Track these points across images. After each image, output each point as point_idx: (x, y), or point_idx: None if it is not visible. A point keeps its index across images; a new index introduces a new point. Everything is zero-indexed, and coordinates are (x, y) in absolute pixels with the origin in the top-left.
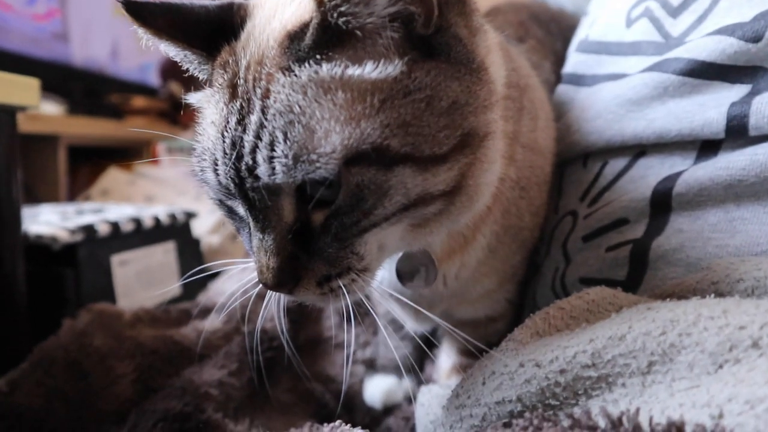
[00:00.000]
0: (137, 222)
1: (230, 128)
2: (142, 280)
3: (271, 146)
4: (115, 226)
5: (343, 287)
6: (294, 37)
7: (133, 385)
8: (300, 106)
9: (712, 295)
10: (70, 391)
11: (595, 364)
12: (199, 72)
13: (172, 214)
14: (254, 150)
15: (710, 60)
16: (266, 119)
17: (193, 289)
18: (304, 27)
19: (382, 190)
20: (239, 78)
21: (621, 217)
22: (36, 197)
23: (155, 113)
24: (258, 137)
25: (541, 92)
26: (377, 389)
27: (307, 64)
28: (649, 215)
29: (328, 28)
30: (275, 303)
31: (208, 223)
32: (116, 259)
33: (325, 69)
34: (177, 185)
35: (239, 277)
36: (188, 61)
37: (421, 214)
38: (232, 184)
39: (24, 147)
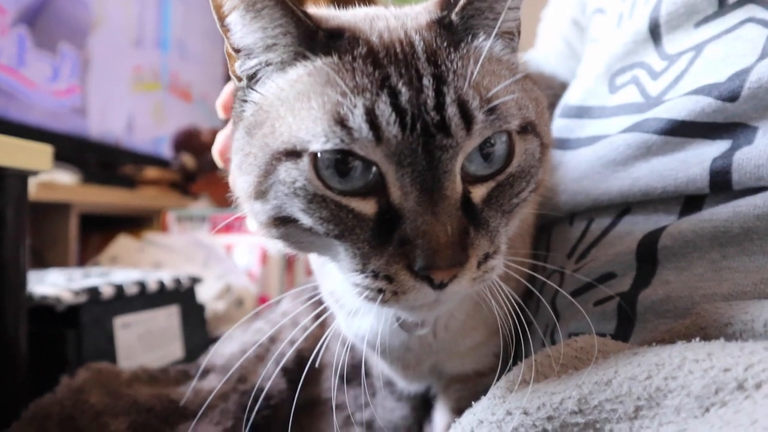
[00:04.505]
0: (141, 285)
1: (400, 91)
2: (144, 343)
3: (460, 104)
4: (119, 288)
5: (494, 268)
6: (442, 22)
7: None
8: (481, 74)
9: (697, 339)
10: None
11: (582, 410)
12: (280, 51)
13: (176, 278)
14: (440, 108)
15: (690, 119)
16: (445, 83)
17: (195, 353)
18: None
19: (538, 163)
20: (380, 53)
21: (608, 271)
22: (45, 263)
23: (167, 184)
24: (440, 96)
25: None
26: None
27: (474, 41)
28: (636, 268)
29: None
30: (273, 362)
31: (213, 290)
32: (119, 322)
33: (497, 48)
34: (185, 253)
35: (240, 339)
36: (282, 33)
37: (522, 198)
38: (414, 144)
39: (37, 214)
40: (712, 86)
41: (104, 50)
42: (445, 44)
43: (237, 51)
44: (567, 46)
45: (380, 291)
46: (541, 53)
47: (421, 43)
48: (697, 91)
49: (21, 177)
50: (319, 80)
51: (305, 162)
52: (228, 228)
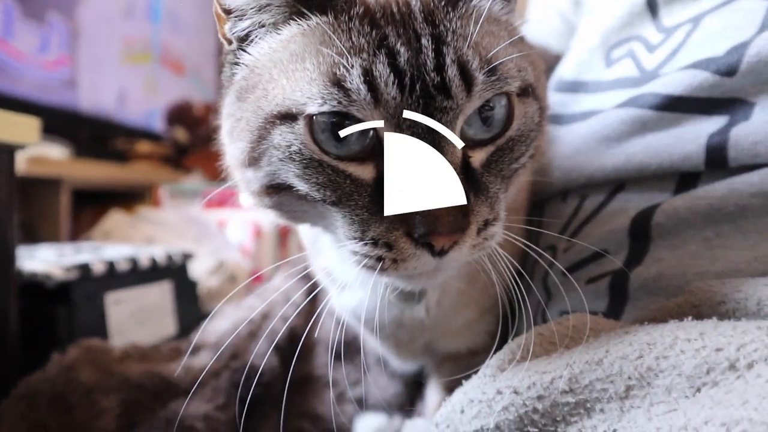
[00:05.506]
0: (133, 261)
1: (398, 51)
2: (137, 320)
3: (460, 64)
4: (110, 265)
5: (494, 236)
6: None
7: (118, 419)
8: (480, 35)
9: (690, 318)
10: (54, 425)
11: (573, 389)
12: (274, 12)
13: (169, 254)
14: (440, 69)
15: (686, 94)
16: (445, 43)
17: (188, 329)
18: None
19: (537, 127)
20: (377, 13)
21: (600, 248)
22: (37, 238)
23: (159, 158)
24: (440, 56)
25: None
26: (367, 427)
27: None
28: (629, 246)
29: None
30: (266, 339)
31: (206, 265)
32: (111, 298)
33: (496, 8)
34: (177, 228)
35: (232, 315)
36: None
37: (521, 164)
38: (414, 106)
39: (28, 189)
40: (710, 60)
41: (94, 21)
42: (442, 3)
43: (228, 12)
44: (564, 23)
45: (379, 259)
46: (533, 27)
47: (418, 3)
48: (695, 65)
49: (8, 151)
50: (313, 40)
51: (301, 125)
52: (221, 203)
